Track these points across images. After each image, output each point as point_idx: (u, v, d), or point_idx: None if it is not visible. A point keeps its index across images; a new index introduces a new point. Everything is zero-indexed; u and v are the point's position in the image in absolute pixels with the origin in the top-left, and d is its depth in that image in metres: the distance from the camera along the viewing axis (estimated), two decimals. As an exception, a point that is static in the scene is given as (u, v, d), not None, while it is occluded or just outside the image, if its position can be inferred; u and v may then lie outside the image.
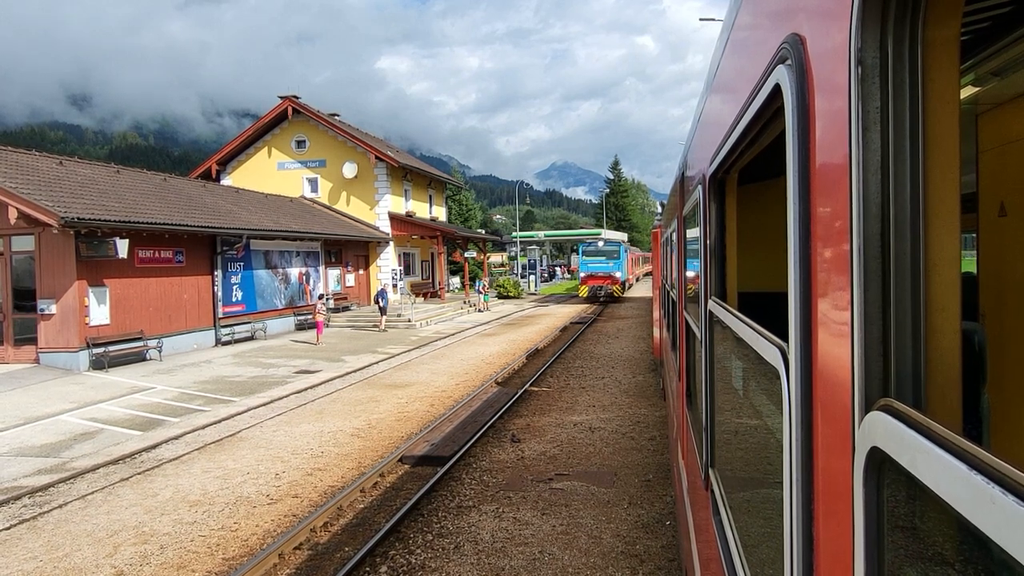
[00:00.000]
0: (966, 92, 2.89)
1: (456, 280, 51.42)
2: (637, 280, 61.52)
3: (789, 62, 1.27)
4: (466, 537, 7.12)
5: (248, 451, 10.66)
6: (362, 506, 8.29)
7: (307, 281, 28.97)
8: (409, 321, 28.50)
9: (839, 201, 1.02)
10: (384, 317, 27.31)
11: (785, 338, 1.33)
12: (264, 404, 13.88)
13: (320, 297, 25.89)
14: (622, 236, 70.01)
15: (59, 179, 19.28)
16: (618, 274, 40.55)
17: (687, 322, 4.47)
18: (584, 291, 41.03)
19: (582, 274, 41.86)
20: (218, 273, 22.98)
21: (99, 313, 18.10)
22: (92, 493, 8.82)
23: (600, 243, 42.30)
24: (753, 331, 1.74)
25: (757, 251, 4.28)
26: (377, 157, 35.80)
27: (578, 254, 44.25)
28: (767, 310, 2.18)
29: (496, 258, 65.23)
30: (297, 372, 17.69)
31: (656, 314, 15.86)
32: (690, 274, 4.63)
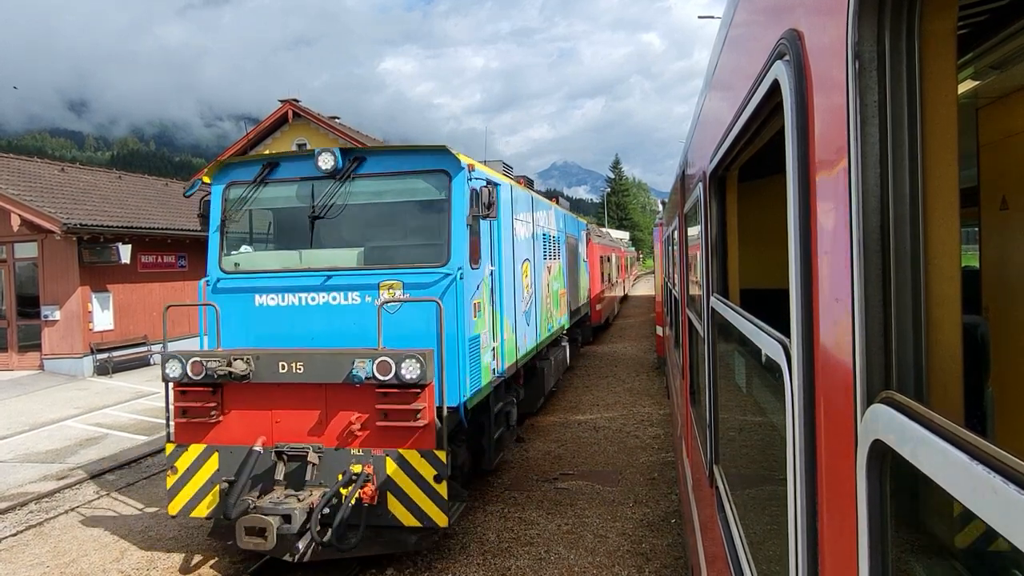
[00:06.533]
0: (966, 86, 2.89)
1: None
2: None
3: (787, 58, 1.27)
4: (472, 537, 7.12)
5: (253, 454, 10.67)
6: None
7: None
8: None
9: (839, 196, 1.02)
10: None
11: (787, 333, 1.34)
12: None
13: None
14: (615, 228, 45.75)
15: (61, 186, 19.33)
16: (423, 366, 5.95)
17: (690, 319, 4.47)
18: (179, 491, 6.39)
19: (171, 374, 6.31)
20: (220, 277, 22.90)
21: (102, 319, 18.14)
22: (98, 498, 8.84)
23: (325, 157, 6.69)
24: (755, 327, 1.74)
25: (759, 247, 4.30)
26: (378, 159, 35.69)
27: (209, 261, 7.20)
28: (769, 306, 2.18)
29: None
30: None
31: (659, 312, 15.86)
32: (692, 271, 4.63)
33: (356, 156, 6.89)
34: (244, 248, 7.38)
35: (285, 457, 6.14)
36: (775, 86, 1.37)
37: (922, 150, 0.92)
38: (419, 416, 5.89)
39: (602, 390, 14.62)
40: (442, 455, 5.87)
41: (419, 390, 5.88)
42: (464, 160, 6.78)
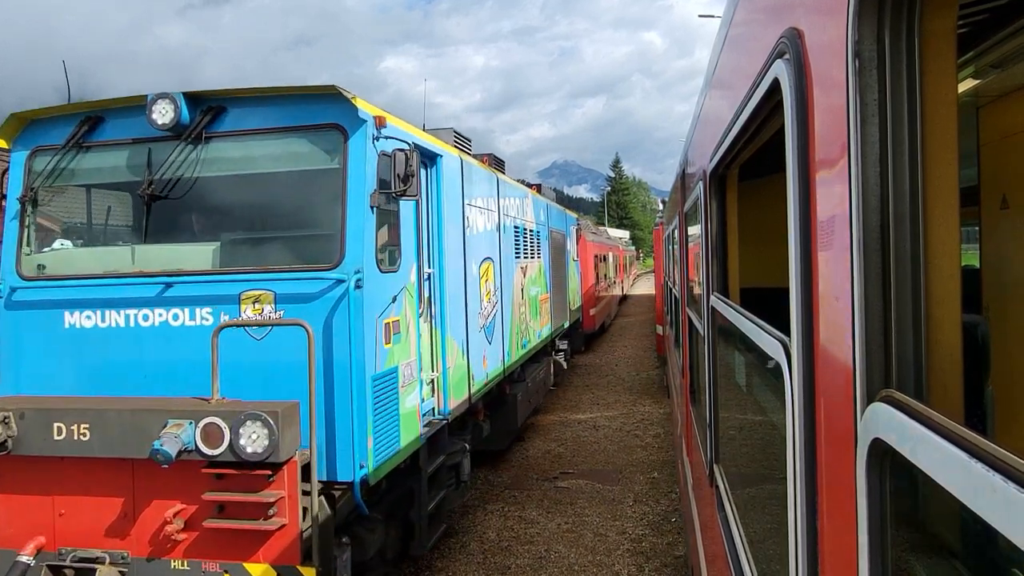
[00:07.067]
0: (966, 85, 2.89)
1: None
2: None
3: (787, 56, 1.27)
4: (472, 536, 7.12)
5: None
6: (368, 507, 8.29)
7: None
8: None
9: (839, 194, 1.02)
10: None
11: (787, 332, 1.34)
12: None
13: None
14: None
15: (61, 185, 19.33)
16: None
17: (690, 318, 4.47)
18: None
19: None
20: (220, 276, 22.77)
21: (103, 318, 18.13)
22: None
23: None
24: (755, 326, 1.74)
25: (759, 246, 4.31)
26: (378, 158, 35.55)
27: None
28: (769, 305, 2.19)
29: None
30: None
31: (659, 311, 15.88)
32: (692, 270, 4.64)
33: (211, 105, 4.76)
34: (59, 243, 5.31)
35: (68, 573, 4.11)
36: (775, 85, 1.37)
37: (922, 149, 0.92)
38: (273, 512, 3.86)
39: (602, 389, 14.63)
40: (310, 574, 3.86)
41: (271, 471, 3.86)
42: (368, 110, 4.66)
